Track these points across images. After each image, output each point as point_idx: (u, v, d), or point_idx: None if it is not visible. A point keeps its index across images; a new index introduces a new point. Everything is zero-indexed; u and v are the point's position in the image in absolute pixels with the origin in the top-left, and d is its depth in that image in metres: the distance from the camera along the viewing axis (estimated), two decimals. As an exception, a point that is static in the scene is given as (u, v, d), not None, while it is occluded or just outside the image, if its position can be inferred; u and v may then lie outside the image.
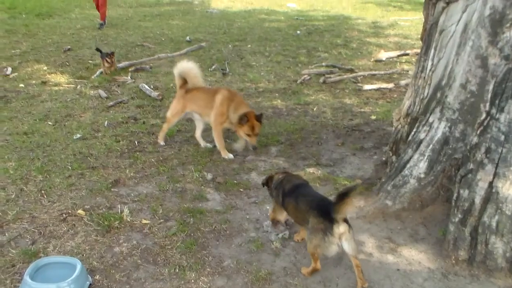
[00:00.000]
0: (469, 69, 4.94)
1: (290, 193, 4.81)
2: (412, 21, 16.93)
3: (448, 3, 5.23)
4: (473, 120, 4.84)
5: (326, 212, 4.22)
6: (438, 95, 5.34)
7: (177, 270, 4.62)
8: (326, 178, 6.24)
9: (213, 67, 11.56)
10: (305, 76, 10.78)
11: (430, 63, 5.52)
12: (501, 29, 4.56)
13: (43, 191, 6.00)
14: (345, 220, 4.22)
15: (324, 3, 21.50)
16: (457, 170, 4.96)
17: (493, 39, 4.67)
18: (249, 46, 13.71)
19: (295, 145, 7.35)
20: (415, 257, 4.78)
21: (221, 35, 15.06)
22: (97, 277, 4.54)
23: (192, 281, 4.49)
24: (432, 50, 5.48)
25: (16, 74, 10.95)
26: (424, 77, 5.61)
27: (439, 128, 5.22)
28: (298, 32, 15.46)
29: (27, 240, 5.07)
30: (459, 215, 4.62)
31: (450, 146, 5.14)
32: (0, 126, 8.01)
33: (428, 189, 5.26)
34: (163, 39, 14.70)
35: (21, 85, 10.22)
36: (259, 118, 6.86)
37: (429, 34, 5.59)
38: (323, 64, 11.74)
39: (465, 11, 5.03)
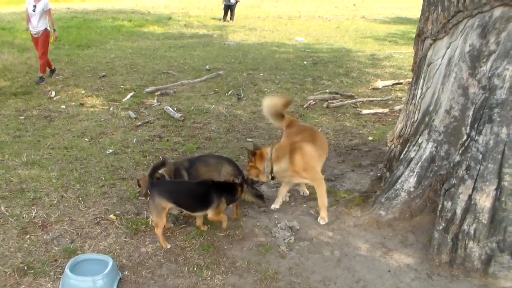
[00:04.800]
0: (452, 97, 5.02)
1: None
2: (405, 54, 16.95)
3: (434, 40, 5.33)
4: (456, 141, 4.92)
5: None
6: (426, 119, 5.41)
7: (195, 269, 4.71)
8: (328, 191, 6.21)
9: (230, 92, 11.65)
10: (311, 101, 10.86)
11: (419, 91, 5.60)
12: (479, 63, 4.64)
13: (80, 198, 6.14)
14: None
15: (328, 37, 21.57)
16: (442, 184, 5.02)
17: (472, 71, 4.75)
18: (262, 74, 13.80)
19: (300, 162, 7.38)
20: (404, 260, 4.84)
21: (237, 65, 15.15)
22: (126, 273, 4.66)
23: (208, 278, 4.58)
24: (421, 80, 5.57)
25: (58, 96, 11.13)
26: (415, 104, 5.69)
27: (427, 148, 5.30)
28: (305, 62, 15.53)
29: (67, 239, 5.22)
30: (443, 224, 4.71)
31: (436, 164, 5.21)
32: (45, 141, 8.17)
33: (417, 201, 5.33)
34: (186, 67, 14.82)
35: (63, 106, 10.38)
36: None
37: (418, 66, 5.69)
38: (327, 91, 11.80)
39: (449, 47, 5.12)
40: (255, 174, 5.70)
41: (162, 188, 5.04)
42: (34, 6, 11.73)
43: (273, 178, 5.71)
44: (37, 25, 12.00)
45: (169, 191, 5.03)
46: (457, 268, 4.61)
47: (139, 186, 5.69)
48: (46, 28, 12.11)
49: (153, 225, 5.18)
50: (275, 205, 5.99)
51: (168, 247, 5.02)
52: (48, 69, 12.74)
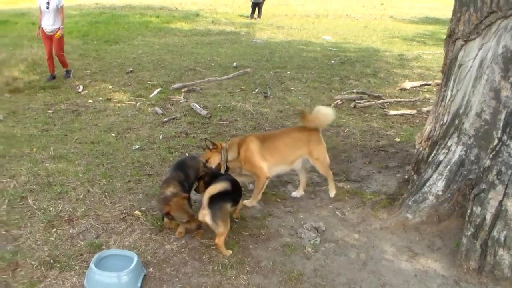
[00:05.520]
0: (483, 100, 4.95)
1: None
2: (433, 55, 16.75)
3: (466, 41, 5.25)
4: (486, 145, 4.85)
5: None
6: (456, 122, 5.34)
7: (220, 268, 4.69)
8: (354, 192, 6.26)
9: (256, 90, 11.61)
10: (338, 101, 10.79)
11: (449, 93, 5.52)
12: (512, 65, 4.57)
13: (106, 193, 6.17)
14: None
15: (356, 37, 21.40)
16: (471, 189, 4.95)
17: (505, 74, 4.67)
18: (289, 72, 13.74)
19: (327, 162, 7.35)
20: (431, 265, 4.78)
21: (264, 62, 15.10)
22: (151, 269, 4.67)
23: (233, 278, 4.57)
24: (452, 82, 5.49)
25: (86, 91, 11.22)
26: (444, 106, 5.61)
27: (456, 152, 5.23)
28: (332, 61, 15.43)
29: (93, 234, 5.25)
30: (472, 229, 4.62)
31: (466, 168, 5.14)
32: (72, 135, 8.25)
33: (445, 205, 5.26)
34: (213, 64, 14.80)
35: (90, 101, 10.47)
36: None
37: (449, 67, 5.61)
38: (354, 90, 11.71)
39: (481, 48, 5.05)
40: (213, 163, 5.85)
41: (226, 195, 4.92)
42: (48, 3, 11.43)
43: (227, 168, 5.88)
44: (53, 23, 11.62)
45: (230, 193, 5.00)
46: (486, 276, 4.53)
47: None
48: (60, 26, 11.81)
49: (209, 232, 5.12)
50: (296, 193, 6.32)
51: (230, 253, 4.95)
52: (64, 69, 12.47)
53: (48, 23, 11.60)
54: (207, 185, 5.07)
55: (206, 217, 4.75)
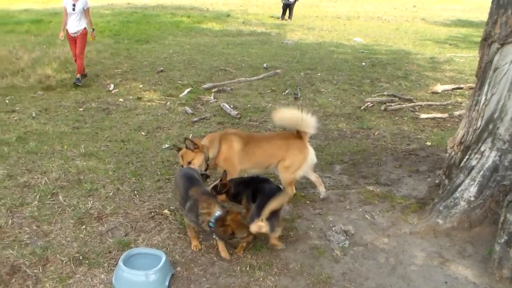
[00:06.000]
0: (520, 105, 4.86)
1: None
2: (466, 58, 16.51)
3: (502, 45, 5.15)
4: (522, 151, 4.77)
5: None
6: (490, 126, 5.24)
7: (248, 269, 4.69)
8: (384, 196, 6.19)
9: (287, 91, 11.60)
10: (368, 103, 10.70)
11: (483, 97, 5.42)
12: (551, 70, 4.47)
13: (135, 192, 6.22)
14: None
15: (387, 39, 21.24)
16: (505, 195, 4.86)
17: (543, 78, 4.58)
18: (319, 74, 13.69)
19: (357, 165, 7.31)
20: (462, 272, 4.69)
21: (295, 64, 15.08)
22: (179, 269, 4.68)
23: (261, 279, 4.55)
24: (486, 86, 5.39)
25: (117, 90, 11.37)
26: (478, 110, 5.51)
27: (490, 157, 5.14)
28: (363, 63, 15.34)
29: (121, 232, 5.29)
30: (505, 237, 4.52)
31: (499, 174, 5.05)
32: (102, 133, 8.34)
33: (477, 211, 5.17)
34: (243, 65, 14.84)
35: (121, 99, 10.59)
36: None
37: (483, 71, 5.50)
38: (385, 93, 11.61)
39: (518, 52, 4.96)
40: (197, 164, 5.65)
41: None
42: (74, 5, 11.27)
43: (207, 167, 5.77)
44: (78, 24, 11.49)
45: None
46: (518, 284, 4.44)
47: None
48: (85, 27, 11.67)
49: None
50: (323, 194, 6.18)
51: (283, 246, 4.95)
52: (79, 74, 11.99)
53: (73, 25, 11.50)
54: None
55: (263, 228, 4.68)
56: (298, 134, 5.84)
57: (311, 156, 5.92)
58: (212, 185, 5.44)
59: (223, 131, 6.47)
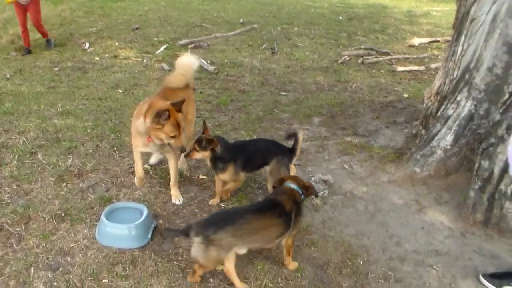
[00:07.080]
0: (496, 54, 4.92)
1: None
2: (443, 11, 16.55)
3: (479, -5, 5.20)
4: (497, 99, 4.87)
5: None
6: (467, 76, 5.31)
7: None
8: (362, 146, 6.29)
9: (263, 46, 11.57)
10: (345, 57, 10.74)
11: (460, 48, 5.47)
12: (527, 19, 4.53)
13: (115, 148, 6.20)
14: None
15: (364, -8, 21.19)
16: (480, 143, 4.96)
17: (519, 28, 4.64)
18: (296, 29, 13.64)
19: (335, 117, 7.38)
20: (438, 217, 4.84)
21: (271, 18, 14.99)
22: (160, 221, 4.73)
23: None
24: (463, 37, 5.43)
25: (92, 48, 11.21)
26: (454, 61, 5.57)
27: (466, 106, 5.23)
28: (340, 17, 15.30)
29: (102, 187, 5.29)
30: (479, 183, 4.66)
31: (475, 122, 5.14)
32: (79, 92, 8.26)
33: (453, 159, 5.29)
34: (219, 20, 14.69)
35: (96, 58, 10.46)
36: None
37: (460, 22, 5.54)
38: (362, 46, 11.64)
39: (495, 2, 4.97)
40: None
41: None
42: None
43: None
44: None
45: None
46: (491, 228, 4.59)
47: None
48: None
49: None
50: None
51: None
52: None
53: None
54: None
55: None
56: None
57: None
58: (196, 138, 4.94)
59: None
